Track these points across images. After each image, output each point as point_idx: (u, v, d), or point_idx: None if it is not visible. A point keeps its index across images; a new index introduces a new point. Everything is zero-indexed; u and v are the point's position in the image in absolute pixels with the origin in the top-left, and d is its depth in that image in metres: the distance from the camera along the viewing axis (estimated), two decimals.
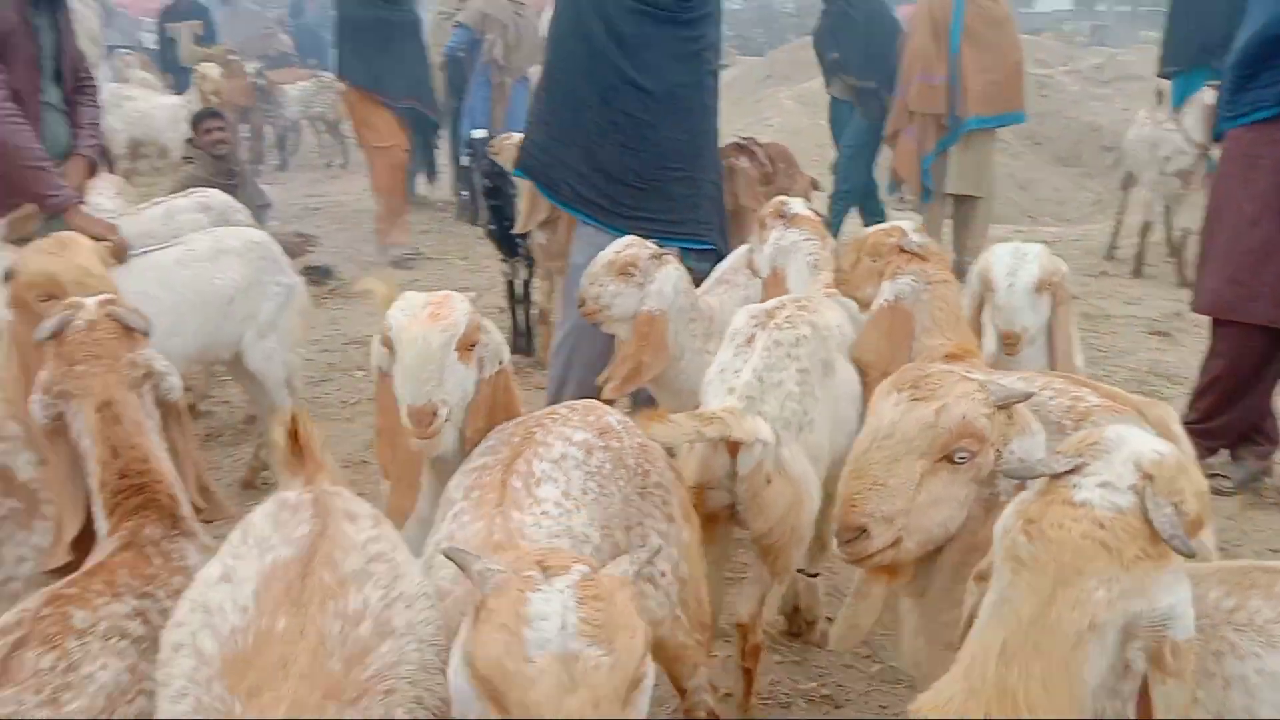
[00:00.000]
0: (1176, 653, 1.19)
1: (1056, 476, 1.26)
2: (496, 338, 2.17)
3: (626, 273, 2.96)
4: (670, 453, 2.30)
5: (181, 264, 3.51)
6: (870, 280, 2.63)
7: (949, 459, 1.50)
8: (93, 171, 3.77)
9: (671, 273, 2.99)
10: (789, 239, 3.14)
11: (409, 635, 1.33)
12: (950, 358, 2.42)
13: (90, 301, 1.94)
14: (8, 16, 3.26)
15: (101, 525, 1.73)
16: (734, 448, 2.31)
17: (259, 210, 7.08)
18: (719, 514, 2.40)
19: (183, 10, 11.72)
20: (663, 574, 2.06)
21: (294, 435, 1.63)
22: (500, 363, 2.16)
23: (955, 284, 2.61)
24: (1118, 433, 1.30)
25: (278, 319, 3.69)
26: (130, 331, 1.91)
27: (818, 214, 3.29)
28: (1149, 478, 1.22)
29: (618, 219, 3.54)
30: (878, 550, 1.52)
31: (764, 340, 2.41)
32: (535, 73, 8.95)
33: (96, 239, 3.04)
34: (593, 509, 1.91)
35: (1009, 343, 2.61)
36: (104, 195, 4.93)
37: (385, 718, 1.23)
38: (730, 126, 12.84)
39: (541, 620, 1.13)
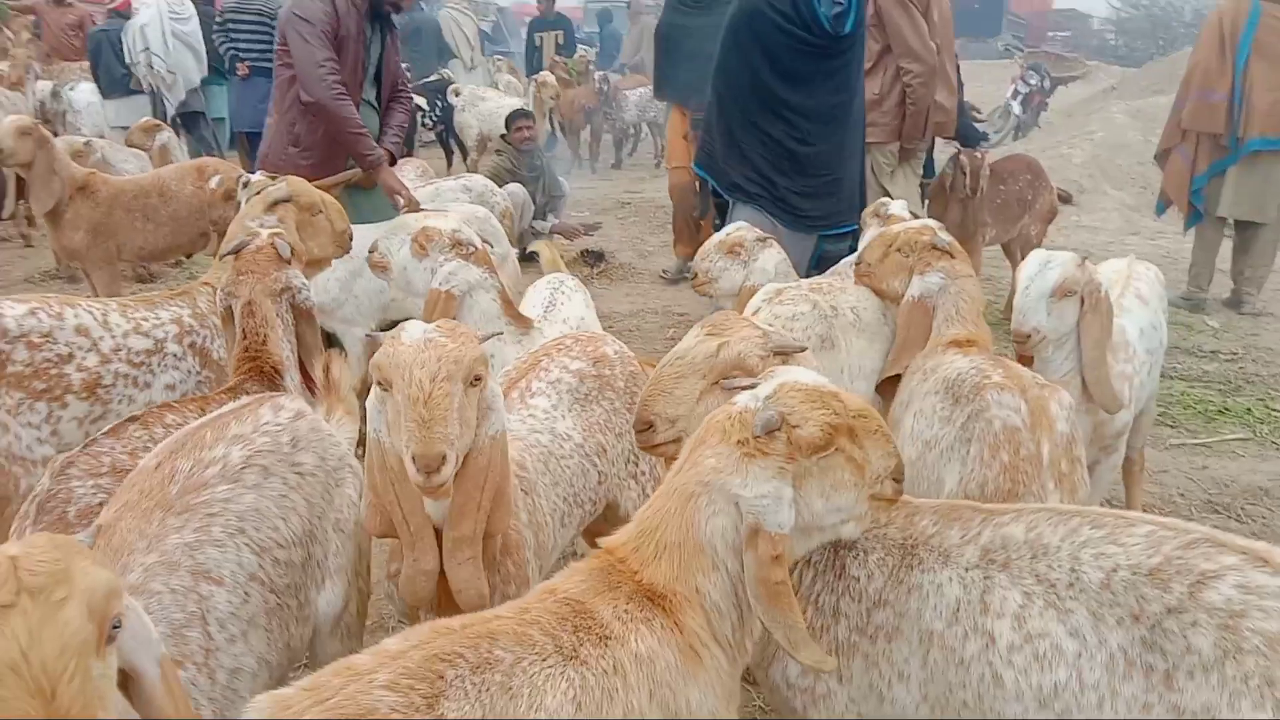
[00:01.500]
0: (760, 535, 1.51)
1: (744, 388, 1.66)
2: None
3: (734, 251, 3.46)
4: None
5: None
6: (898, 274, 2.91)
7: (720, 383, 1.89)
8: (392, 161, 4.75)
9: (774, 254, 3.44)
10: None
11: (255, 488, 1.84)
12: (954, 343, 2.69)
13: (264, 232, 2.80)
14: (350, 24, 4.27)
15: (230, 380, 2.57)
16: None
17: (554, 200, 8.20)
18: None
19: (548, 21, 13.40)
20: (644, 472, 2.59)
21: (326, 371, 2.40)
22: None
23: (976, 280, 2.82)
24: (790, 370, 1.65)
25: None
26: (280, 257, 2.73)
27: (914, 214, 3.54)
28: (778, 395, 1.57)
29: (776, 209, 4.12)
30: (660, 443, 1.94)
31: (765, 314, 2.81)
32: None
33: (393, 192, 4.26)
34: (577, 418, 2.46)
35: (1018, 341, 2.77)
36: (408, 172, 6.19)
37: (203, 529, 1.75)
38: (1049, 139, 12.32)
39: (409, 333, 1.76)
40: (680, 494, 1.57)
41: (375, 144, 4.36)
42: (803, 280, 3.15)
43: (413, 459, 1.67)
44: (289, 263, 2.76)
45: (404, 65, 10.12)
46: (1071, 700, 1.51)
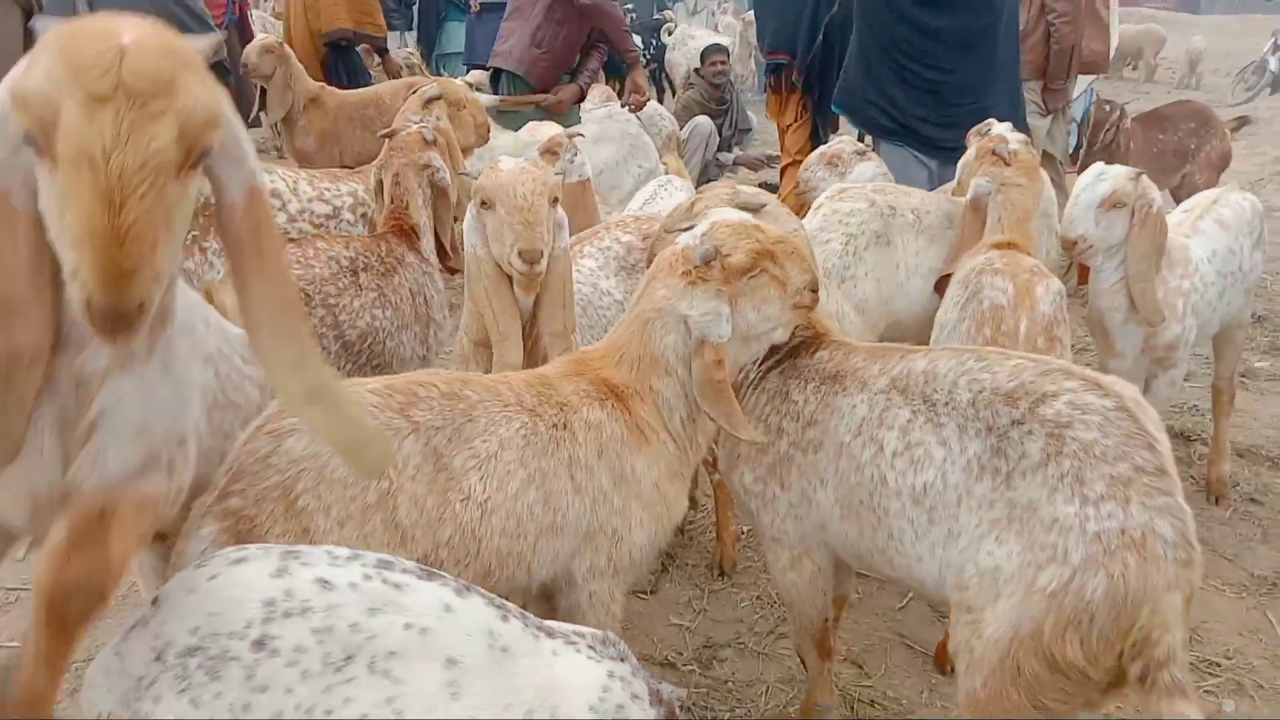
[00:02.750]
0: (705, 344, 1.93)
1: (685, 230, 2.07)
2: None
3: (832, 163, 3.79)
4: None
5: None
6: (971, 179, 3.15)
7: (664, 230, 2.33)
8: (581, 95, 5.47)
9: (870, 166, 3.74)
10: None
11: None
12: (995, 246, 2.93)
13: (414, 121, 3.39)
14: None
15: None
16: None
17: (741, 133, 8.56)
18: None
19: None
20: None
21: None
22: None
23: (1029, 188, 3.01)
24: (720, 211, 2.05)
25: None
26: (426, 141, 3.32)
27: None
28: (711, 232, 1.96)
29: (916, 142, 4.30)
30: None
31: (825, 209, 3.13)
32: None
33: (637, 90, 5.30)
34: (620, 282, 2.94)
35: (1065, 248, 2.96)
36: (594, 96, 6.77)
37: None
38: None
39: (505, 163, 2.32)
40: (640, 318, 2.00)
41: (635, 41, 5.15)
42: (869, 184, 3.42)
43: (519, 254, 2.14)
44: (433, 145, 3.34)
45: (628, 6, 10.74)
46: (937, 498, 1.84)
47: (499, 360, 2.26)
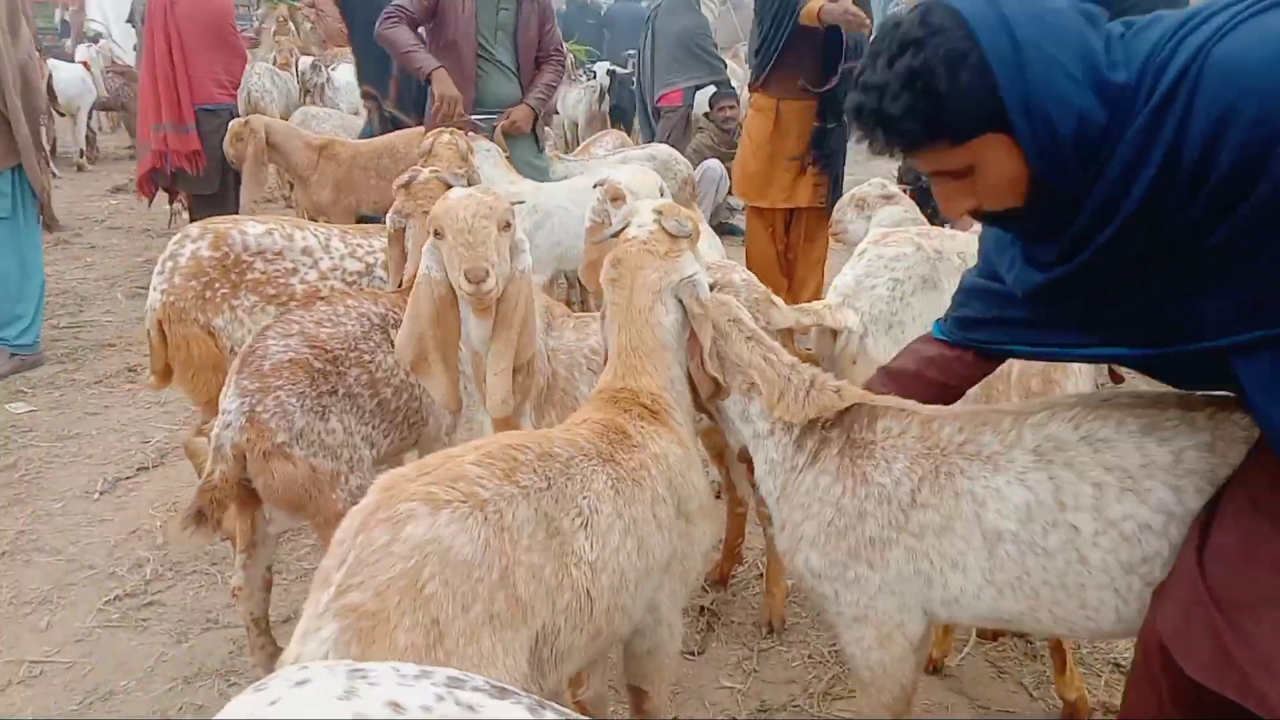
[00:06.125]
0: (700, 300, 2.08)
1: (618, 234, 2.16)
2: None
3: (860, 206, 3.74)
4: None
5: (588, 189, 4.96)
6: None
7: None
8: (534, 116, 5.14)
9: (895, 210, 3.67)
10: None
11: None
12: None
13: (425, 170, 3.31)
14: None
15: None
16: (835, 333, 3.04)
17: None
18: None
19: None
20: None
21: None
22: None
23: None
24: (638, 204, 2.21)
25: None
26: (447, 186, 3.25)
27: None
28: (660, 213, 2.11)
29: None
30: None
31: (871, 254, 3.07)
32: None
33: (444, 97, 4.65)
34: None
35: None
36: (603, 146, 6.73)
37: None
38: None
39: (454, 191, 2.39)
40: (639, 314, 2.07)
41: (426, 55, 4.70)
42: (915, 227, 3.36)
43: (464, 274, 2.17)
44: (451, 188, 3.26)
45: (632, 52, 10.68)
46: (1158, 562, 1.74)
47: (443, 385, 2.33)
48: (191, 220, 6.37)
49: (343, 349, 2.58)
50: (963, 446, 1.91)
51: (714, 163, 7.95)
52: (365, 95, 7.01)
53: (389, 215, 3.20)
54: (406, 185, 3.20)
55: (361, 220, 6.34)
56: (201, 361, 3.22)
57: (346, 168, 6.10)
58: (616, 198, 3.35)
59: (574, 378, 2.61)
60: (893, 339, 3.02)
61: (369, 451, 2.60)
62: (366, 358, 2.62)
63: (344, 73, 9.88)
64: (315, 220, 7.32)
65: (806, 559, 2.06)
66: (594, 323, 2.69)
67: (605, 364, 2.18)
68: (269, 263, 3.33)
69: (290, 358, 2.44)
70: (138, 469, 4.29)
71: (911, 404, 2.04)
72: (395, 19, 4.72)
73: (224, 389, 2.45)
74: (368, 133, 6.84)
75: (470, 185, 3.31)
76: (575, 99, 10.67)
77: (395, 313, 2.82)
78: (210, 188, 6.86)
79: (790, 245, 5.28)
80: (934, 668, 2.92)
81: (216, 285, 3.23)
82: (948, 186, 1.63)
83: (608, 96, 10.65)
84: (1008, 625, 1.97)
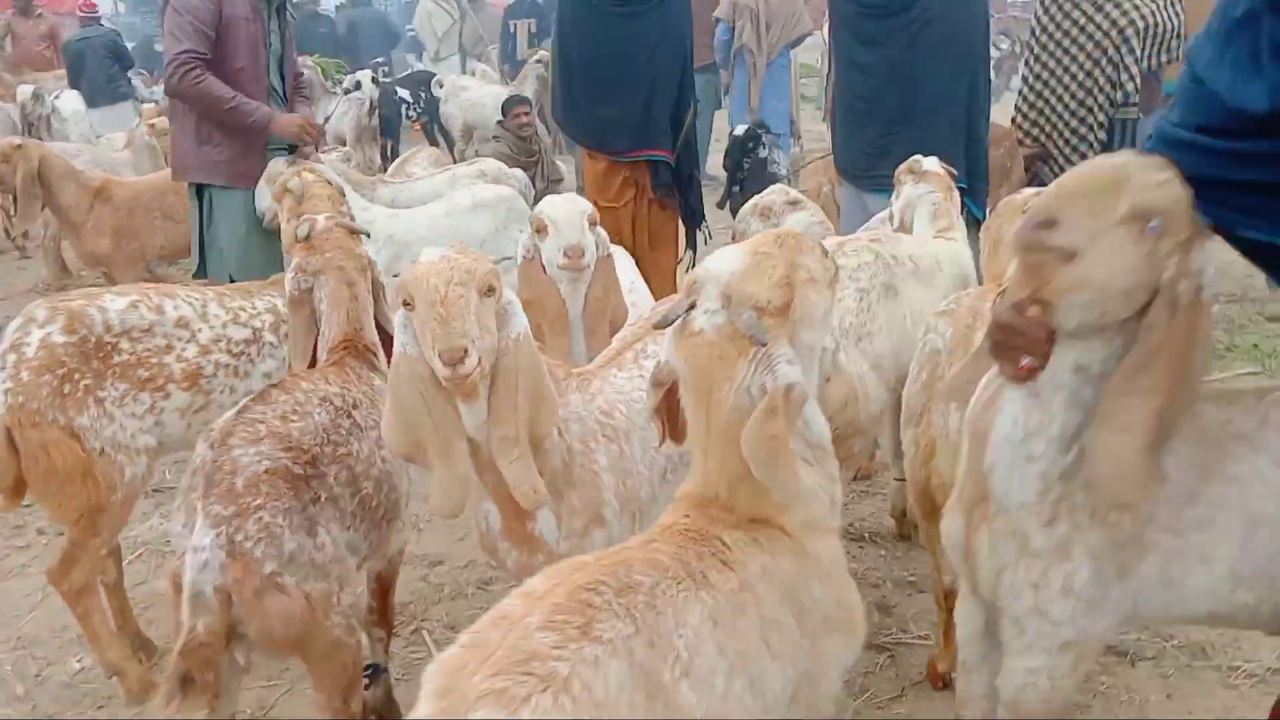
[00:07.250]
0: (790, 396, 1.57)
1: (683, 317, 1.68)
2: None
3: (765, 214, 3.61)
4: None
5: (448, 215, 4.57)
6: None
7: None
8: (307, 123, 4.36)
9: (803, 216, 3.59)
10: (915, 192, 3.57)
11: None
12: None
13: (320, 217, 2.81)
14: (238, 4, 3.97)
15: (324, 357, 2.63)
16: None
17: (553, 184, 8.30)
18: None
19: (522, 9, 13.36)
20: None
21: None
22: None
23: None
24: (706, 267, 1.68)
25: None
26: (355, 233, 2.81)
27: (949, 171, 3.64)
28: (728, 297, 1.62)
29: (858, 180, 4.18)
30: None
31: None
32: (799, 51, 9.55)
33: (298, 132, 4.11)
34: None
35: None
36: (420, 166, 6.26)
37: None
38: None
39: (425, 254, 1.90)
40: (724, 434, 1.62)
41: (253, 105, 4.00)
42: (859, 233, 3.29)
43: (438, 355, 1.79)
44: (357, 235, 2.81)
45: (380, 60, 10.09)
46: None
47: (444, 477, 1.90)
48: None
49: (319, 446, 2.12)
50: (1229, 424, 1.77)
51: (518, 172, 7.61)
52: None
53: (288, 276, 2.71)
54: (306, 239, 2.73)
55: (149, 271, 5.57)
56: (67, 471, 2.60)
57: (126, 211, 5.31)
58: (540, 229, 3.01)
59: (589, 449, 2.21)
60: (862, 351, 2.92)
61: (354, 560, 2.17)
62: (342, 450, 2.18)
63: (70, 100, 8.68)
64: (95, 270, 6.41)
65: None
66: (595, 380, 2.37)
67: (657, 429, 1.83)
68: (136, 342, 2.75)
69: (266, 468, 1.97)
70: None
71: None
72: (197, 68, 3.92)
73: (178, 519, 1.95)
74: None
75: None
76: (340, 113, 9.93)
77: (348, 390, 2.39)
78: None
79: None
80: (943, 683, 2.85)
81: (76, 376, 2.61)
82: None
83: (377, 108, 10.01)
84: (1221, 621, 1.87)
